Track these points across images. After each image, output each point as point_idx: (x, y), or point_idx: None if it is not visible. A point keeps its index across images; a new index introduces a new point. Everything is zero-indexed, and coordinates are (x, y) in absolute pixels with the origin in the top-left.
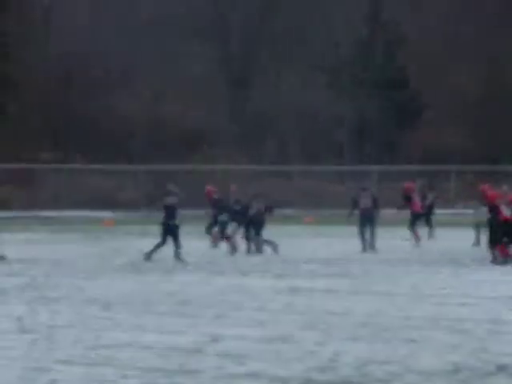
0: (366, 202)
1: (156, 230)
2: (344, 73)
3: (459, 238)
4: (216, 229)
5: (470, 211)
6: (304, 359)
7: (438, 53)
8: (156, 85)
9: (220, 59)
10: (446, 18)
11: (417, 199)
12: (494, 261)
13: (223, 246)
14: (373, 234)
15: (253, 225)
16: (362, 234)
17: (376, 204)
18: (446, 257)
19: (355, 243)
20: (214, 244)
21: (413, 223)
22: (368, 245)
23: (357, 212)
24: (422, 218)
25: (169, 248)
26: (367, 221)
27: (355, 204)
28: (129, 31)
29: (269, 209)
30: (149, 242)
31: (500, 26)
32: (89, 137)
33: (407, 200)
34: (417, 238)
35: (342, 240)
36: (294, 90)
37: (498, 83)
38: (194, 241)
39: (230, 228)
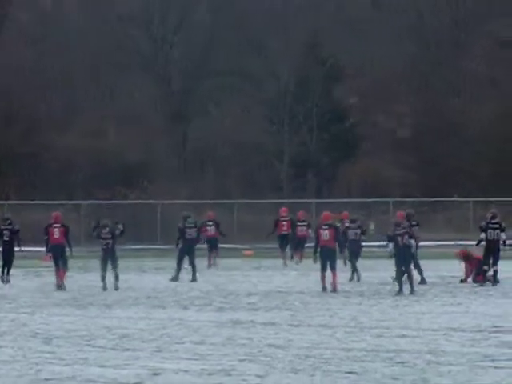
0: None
1: (96, 264)
2: (283, 106)
3: None
4: None
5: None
6: None
7: (376, 84)
8: (96, 120)
9: (159, 93)
10: (385, 50)
11: (284, 223)
12: None
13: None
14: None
15: None
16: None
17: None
18: (386, 288)
19: (295, 276)
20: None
21: (280, 243)
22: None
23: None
24: (287, 238)
25: (109, 282)
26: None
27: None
28: (68, 66)
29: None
30: (90, 276)
31: (438, 55)
32: (30, 173)
33: (275, 224)
34: (284, 259)
35: (282, 273)
36: (234, 122)
37: (436, 114)
38: (134, 275)
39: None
